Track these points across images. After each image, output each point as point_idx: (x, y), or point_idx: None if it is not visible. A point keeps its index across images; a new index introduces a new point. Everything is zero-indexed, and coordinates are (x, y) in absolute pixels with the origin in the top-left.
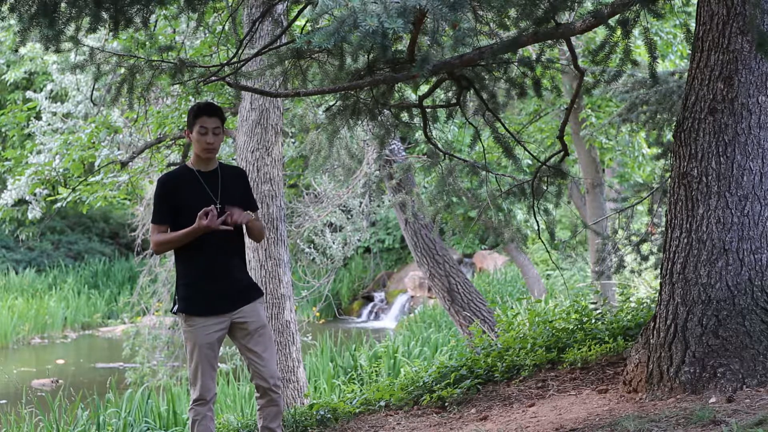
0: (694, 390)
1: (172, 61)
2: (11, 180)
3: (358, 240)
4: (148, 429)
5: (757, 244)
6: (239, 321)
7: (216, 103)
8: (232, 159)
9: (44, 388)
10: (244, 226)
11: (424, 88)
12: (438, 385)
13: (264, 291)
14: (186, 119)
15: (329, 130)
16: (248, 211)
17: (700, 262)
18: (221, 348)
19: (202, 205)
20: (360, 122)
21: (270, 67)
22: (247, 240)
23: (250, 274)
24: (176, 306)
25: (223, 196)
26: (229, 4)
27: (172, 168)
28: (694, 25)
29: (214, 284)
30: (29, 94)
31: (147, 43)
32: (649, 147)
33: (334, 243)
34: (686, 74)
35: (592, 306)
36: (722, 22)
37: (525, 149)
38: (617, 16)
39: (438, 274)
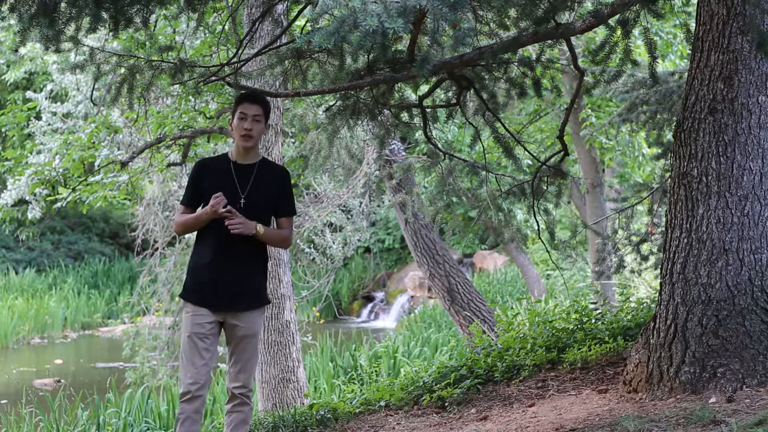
0: (694, 390)
1: (172, 61)
2: (11, 180)
3: (358, 240)
4: (148, 429)
5: (757, 244)
6: (232, 323)
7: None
8: None
9: (46, 388)
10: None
11: (424, 88)
12: (438, 385)
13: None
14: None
15: (329, 130)
16: (256, 223)
17: (700, 262)
18: (220, 348)
19: (226, 195)
20: (360, 122)
21: (270, 67)
22: None
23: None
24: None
25: (250, 193)
26: (229, 4)
27: (213, 155)
28: (694, 25)
29: (213, 277)
30: (29, 94)
31: (147, 43)
32: (649, 147)
33: (334, 243)
34: (686, 74)
35: (592, 306)
36: (722, 22)
37: (525, 149)
38: (617, 16)
39: (438, 274)
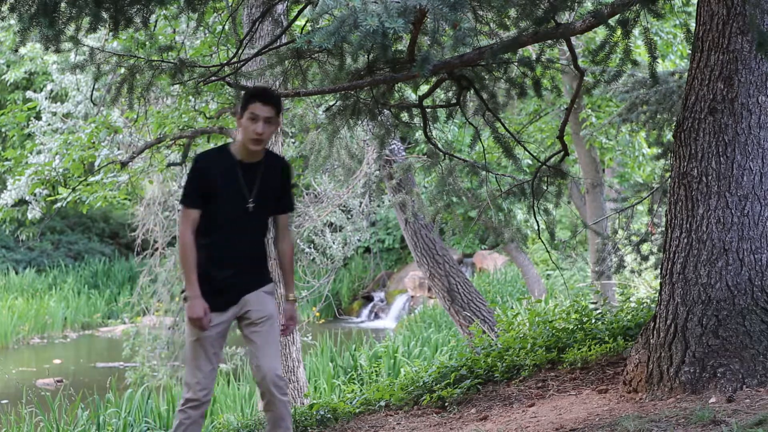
0: (694, 390)
1: (172, 61)
2: (11, 180)
3: (358, 240)
4: (148, 429)
5: (757, 244)
6: (243, 311)
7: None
8: None
9: (48, 388)
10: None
11: (424, 88)
12: (438, 385)
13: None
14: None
15: (329, 130)
16: (293, 308)
17: (700, 262)
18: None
19: (233, 199)
20: (360, 122)
21: (270, 67)
22: None
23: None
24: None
25: (258, 195)
26: (229, 4)
27: (212, 147)
28: (694, 25)
29: (227, 279)
30: (29, 94)
31: (147, 43)
32: (649, 147)
33: (334, 243)
34: (686, 74)
35: (592, 306)
36: (722, 22)
37: (525, 149)
38: (617, 16)
39: (438, 274)
